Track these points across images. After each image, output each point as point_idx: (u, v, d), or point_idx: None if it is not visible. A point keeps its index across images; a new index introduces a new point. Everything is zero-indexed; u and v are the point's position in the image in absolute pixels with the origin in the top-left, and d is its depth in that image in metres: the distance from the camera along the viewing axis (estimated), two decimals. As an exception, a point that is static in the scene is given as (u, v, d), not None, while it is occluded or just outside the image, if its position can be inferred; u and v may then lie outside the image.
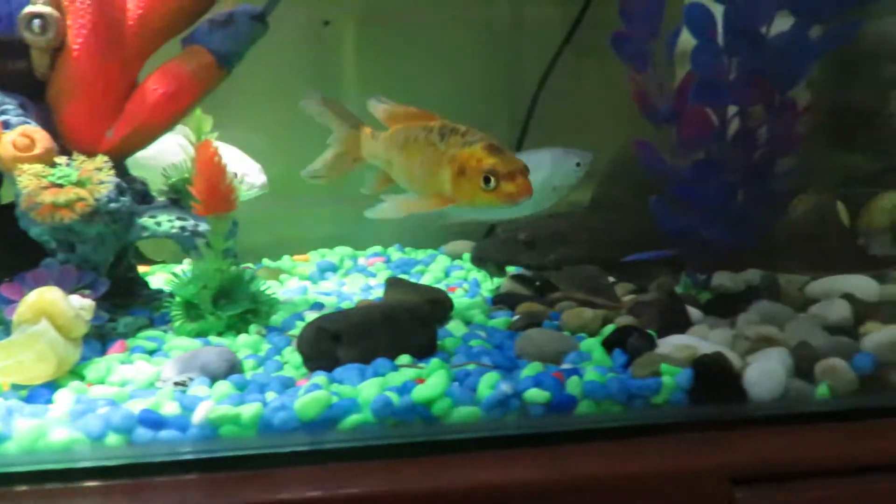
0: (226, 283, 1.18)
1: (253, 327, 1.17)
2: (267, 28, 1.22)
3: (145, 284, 1.32)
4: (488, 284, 1.38)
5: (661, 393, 0.94)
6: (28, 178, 1.10)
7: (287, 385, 1.00)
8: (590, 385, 0.94)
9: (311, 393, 0.92)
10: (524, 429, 0.93)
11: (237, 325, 1.18)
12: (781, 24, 1.08)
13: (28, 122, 1.16)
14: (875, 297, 1.16)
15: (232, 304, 1.18)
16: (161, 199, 1.28)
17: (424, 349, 1.06)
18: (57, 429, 0.89)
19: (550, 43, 1.67)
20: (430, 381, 0.95)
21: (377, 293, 1.37)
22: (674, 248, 1.18)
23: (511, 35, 1.72)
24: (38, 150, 1.13)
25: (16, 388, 0.99)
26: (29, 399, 0.98)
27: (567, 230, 1.30)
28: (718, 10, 1.08)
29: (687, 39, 1.12)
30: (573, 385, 0.94)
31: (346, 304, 1.30)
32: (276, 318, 1.22)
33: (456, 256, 1.58)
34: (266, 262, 1.60)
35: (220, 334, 1.17)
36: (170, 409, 0.92)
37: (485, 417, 0.92)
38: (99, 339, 1.13)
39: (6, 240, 1.19)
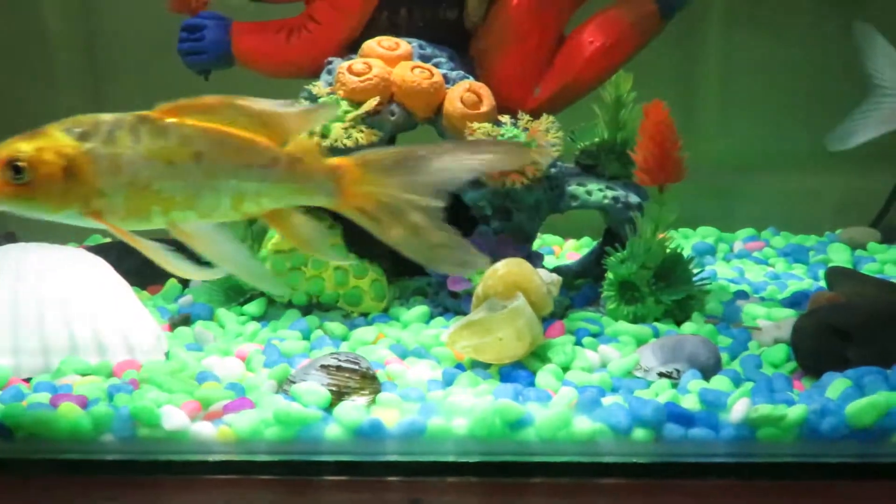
0: (666, 262, 1.17)
1: (697, 315, 1.16)
2: None
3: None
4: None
5: None
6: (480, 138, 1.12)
7: (788, 385, 0.98)
8: None
9: (867, 397, 0.90)
10: None
11: (673, 312, 1.17)
12: None
13: (467, 77, 1.18)
14: None
15: (671, 287, 1.17)
16: (569, 165, 1.28)
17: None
18: (579, 418, 0.90)
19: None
20: None
21: (795, 283, 1.34)
22: None
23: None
24: (484, 108, 1.15)
25: (475, 366, 1.03)
26: (505, 380, 1.00)
27: None
28: None
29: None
30: None
31: (771, 292, 1.28)
32: (712, 307, 1.21)
33: (858, 246, 1.51)
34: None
35: (656, 320, 1.16)
36: (686, 403, 0.92)
37: None
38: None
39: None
